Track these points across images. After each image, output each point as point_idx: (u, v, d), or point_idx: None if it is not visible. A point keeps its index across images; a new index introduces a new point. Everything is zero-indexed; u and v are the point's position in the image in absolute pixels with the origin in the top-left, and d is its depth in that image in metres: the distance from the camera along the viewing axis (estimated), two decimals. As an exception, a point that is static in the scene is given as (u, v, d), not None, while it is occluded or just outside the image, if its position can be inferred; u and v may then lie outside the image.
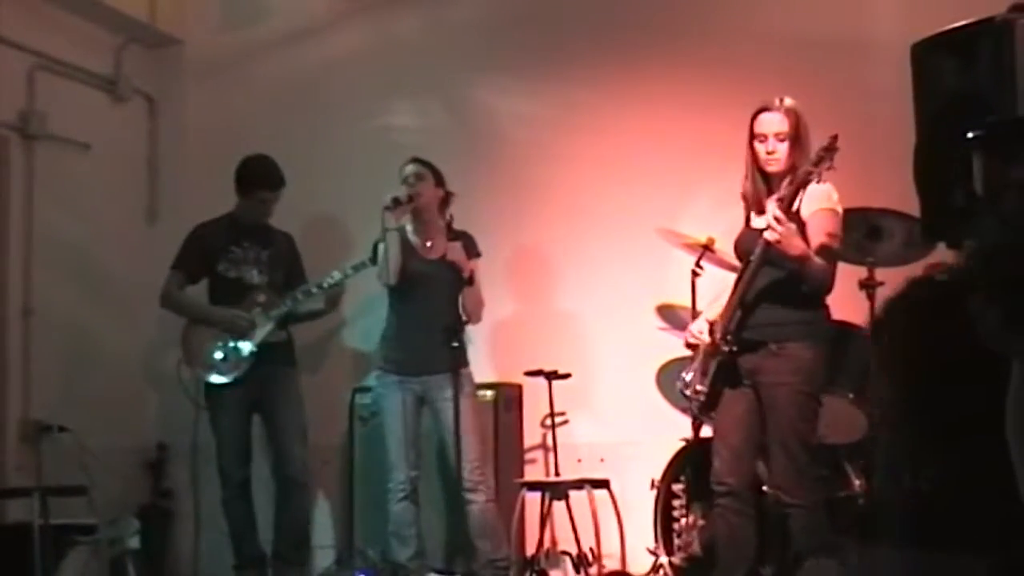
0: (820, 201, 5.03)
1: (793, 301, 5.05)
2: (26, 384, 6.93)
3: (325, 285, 6.56)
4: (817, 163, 4.82)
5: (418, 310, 6.17)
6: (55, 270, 7.10)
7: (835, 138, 4.79)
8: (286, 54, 7.78)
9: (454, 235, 6.11)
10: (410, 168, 6.21)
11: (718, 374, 5.15)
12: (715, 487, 5.20)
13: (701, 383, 5.18)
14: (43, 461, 6.75)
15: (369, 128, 7.50)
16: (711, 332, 5.20)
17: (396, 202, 6.05)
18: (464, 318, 6.17)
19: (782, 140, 5.10)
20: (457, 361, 5.94)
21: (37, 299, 7.00)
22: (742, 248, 5.22)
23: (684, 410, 5.70)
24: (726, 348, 5.08)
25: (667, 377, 6.42)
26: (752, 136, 5.15)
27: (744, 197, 5.25)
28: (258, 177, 6.65)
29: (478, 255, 6.23)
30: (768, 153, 5.11)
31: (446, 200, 6.23)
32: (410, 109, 7.55)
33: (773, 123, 5.12)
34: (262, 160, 6.68)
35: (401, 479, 6.13)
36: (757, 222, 5.17)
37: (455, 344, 5.91)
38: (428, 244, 6.23)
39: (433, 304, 6.11)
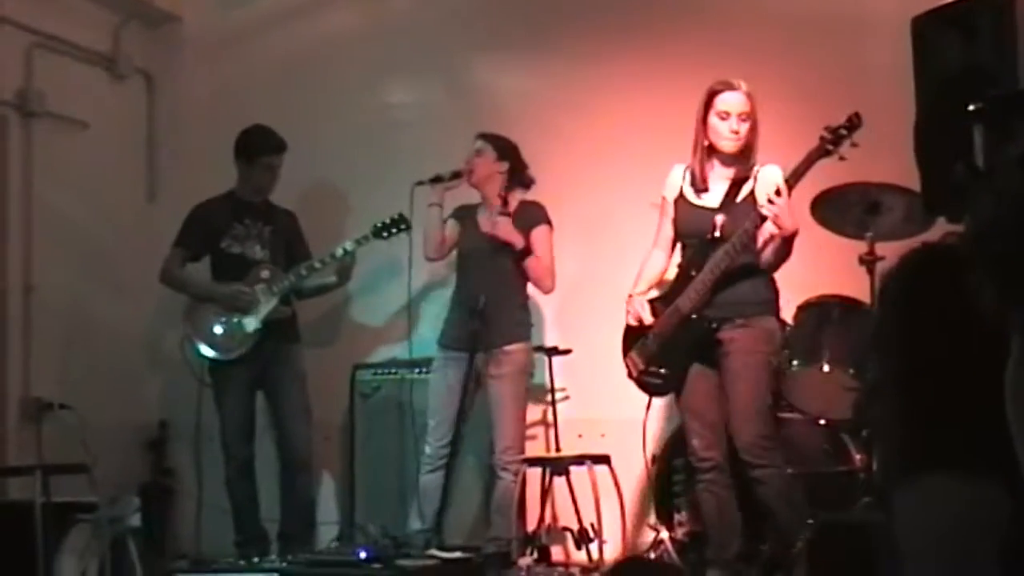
0: (777, 182, 5.11)
1: (757, 280, 5.25)
2: (26, 362, 6.93)
3: (327, 260, 6.58)
4: (837, 140, 4.88)
5: (471, 286, 6.17)
6: (55, 248, 7.10)
7: (857, 115, 4.85)
8: (285, 31, 7.76)
9: (520, 206, 6.14)
10: (473, 144, 6.24)
11: (680, 352, 5.23)
12: (698, 464, 5.33)
13: (659, 363, 5.33)
14: (44, 439, 6.76)
15: (368, 105, 7.48)
16: (654, 312, 5.35)
17: (438, 179, 6.09)
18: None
19: (744, 120, 5.25)
20: (475, 337, 5.98)
21: (37, 277, 6.99)
22: (690, 228, 5.32)
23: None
24: (707, 325, 5.19)
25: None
26: (707, 113, 5.25)
27: (696, 172, 5.32)
28: (262, 143, 6.67)
29: (548, 224, 6.21)
30: (732, 131, 5.23)
31: (513, 173, 6.24)
32: (409, 86, 7.54)
33: (738, 103, 5.25)
34: (261, 128, 6.71)
35: (428, 452, 6.16)
36: (705, 200, 5.30)
37: (474, 324, 5.95)
38: (489, 219, 6.22)
39: (490, 279, 6.09)
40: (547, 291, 6.32)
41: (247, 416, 6.64)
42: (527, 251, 6.09)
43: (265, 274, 6.61)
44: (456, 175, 6.17)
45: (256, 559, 6.27)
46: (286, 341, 6.69)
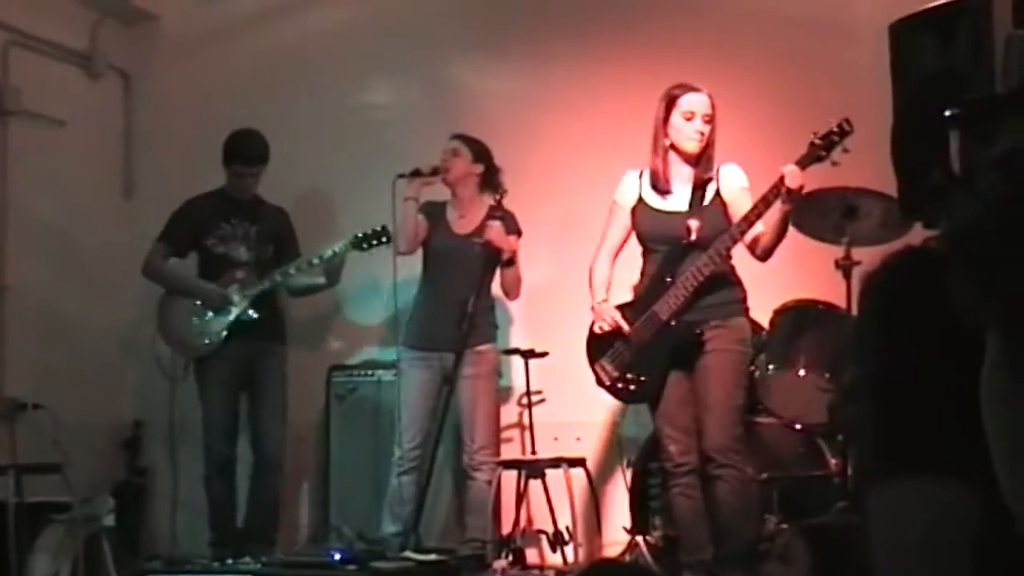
0: (741, 181, 5.32)
1: (727, 282, 5.29)
2: (1, 361, 6.90)
3: (303, 266, 6.58)
4: (829, 146, 4.94)
5: (441, 286, 6.22)
6: (30, 247, 7.07)
7: (848, 121, 4.92)
8: (263, 30, 7.74)
9: (493, 213, 6.11)
10: (448, 144, 6.26)
11: (660, 358, 5.26)
12: (673, 469, 5.32)
13: (636, 371, 5.33)
14: (17, 439, 6.72)
15: (347, 105, 7.46)
16: (625, 318, 5.35)
17: (417, 173, 6.09)
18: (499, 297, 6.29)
19: (707, 122, 5.31)
20: (464, 339, 5.96)
21: (12, 276, 6.96)
22: (659, 233, 5.33)
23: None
24: (693, 331, 5.21)
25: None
26: (668, 114, 5.30)
27: (658, 173, 5.34)
28: (233, 150, 6.65)
29: (519, 233, 6.22)
30: (697, 132, 5.28)
31: (487, 176, 6.26)
32: (389, 86, 7.53)
33: (703, 104, 5.31)
34: (243, 134, 6.68)
35: (399, 455, 6.16)
36: (671, 204, 5.33)
37: (463, 325, 5.93)
38: (461, 218, 6.25)
39: (459, 279, 6.10)
40: (513, 299, 6.38)
41: (230, 415, 6.63)
42: (512, 259, 6.10)
43: (240, 275, 6.61)
44: (435, 172, 6.18)
45: (230, 560, 6.28)
46: (272, 342, 6.71)
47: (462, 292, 6.01)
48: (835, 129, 4.96)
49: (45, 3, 7.33)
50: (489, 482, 6.11)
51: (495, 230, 6.02)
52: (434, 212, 6.31)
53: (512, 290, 6.26)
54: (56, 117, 7.31)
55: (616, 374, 5.38)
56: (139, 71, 7.94)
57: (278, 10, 7.73)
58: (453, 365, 5.99)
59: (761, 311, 5.66)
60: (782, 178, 4.97)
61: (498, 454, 6.31)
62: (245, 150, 6.65)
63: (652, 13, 6.90)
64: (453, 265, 6.16)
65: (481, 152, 6.27)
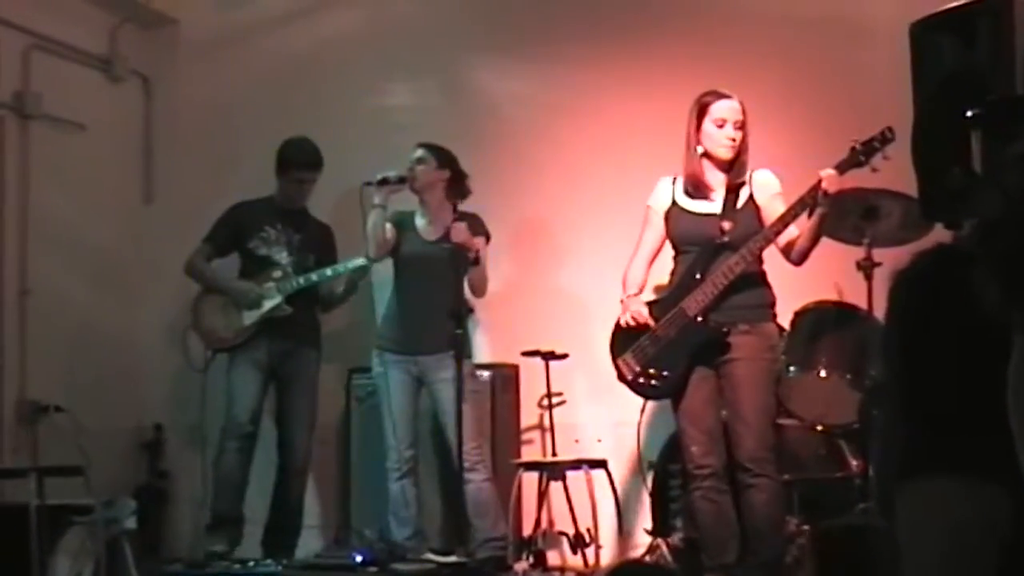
0: (774, 188, 5.33)
1: (758, 285, 5.29)
2: (23, 365, 6.92)
3: (331, 272, 6.65)
4: (870, 153, 4.97)
5: (416, 290, 6.24)
6: (51, 250, 7.09)
7: (891, 129, 4.93)
8: (282, 33, 7.76)
9: (460, 216, 6.16)
10: (414, 153, 6.28)
11: (684, 355, 5.24)
12: (695, 471, 5.31)
13: (659, 366, 5.31)
14: (39, 441, 6.76)
15: (365, 108, 7.48)
16: (652, 314, 5.35)
17: (384, 181, 6.11)
18: (469, 299, 6.24)
19: (739, 128, 5.32)
20: (461, 344, 5.93)
21: (33, 280, 6.98)
22: (692, 235, 5.34)
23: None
24: (720, 330, 5.19)
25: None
26: (700, 121, 5.31)
27: (693, 180, 5.34)
28: (293, 156, 6.74)
29: (487, 236, 6.25)
30: (729, 139, 5.29)
31: (453, 182, 6.28)
32: (406, 89, 7.54)
33: (734, 111, 5.33)
34: (299, 140, 6.77)
35: (397, 458, 6.16)
36: (705, 207, 5.33)
37: (459, 331, 5.90)
38: (429, 225, 6.28)
39: (431, 285, 6.13)
40: (479, 297, 6.36)
41: (256, 394, 6.67)
42: (478, 258, 6.12)
43: (277, 274, 6.69)
44: (402, 179, 6.21)
45: (227, 548, 6.33)
46: (306, 345, 6.78)
47: (433, 296, 6.07)
48: (877, 136, 5.01)
49: (65, 7, 7.35)
50: (487, 479, 6.10)
51: (461, 230, 6.05)
52: (403, 220, 6.36)
53: (478, 289, 6.28)
54: (76, 121, 7.34)
55: (638, 368, 5.37)
56: (159, 75, 7.96)
57: (296, 14, 7.74)
58: (457, 367, 5.89)
59: (782, 312, 5.65)
60: (820, 181, 5.00)
61: (513, 453, 6.28)
62: (300, 155, 6.75)
63: (671, 15, 6.89)
64: (423, 271, 6.21)
65: (446, 158, 6.31)
